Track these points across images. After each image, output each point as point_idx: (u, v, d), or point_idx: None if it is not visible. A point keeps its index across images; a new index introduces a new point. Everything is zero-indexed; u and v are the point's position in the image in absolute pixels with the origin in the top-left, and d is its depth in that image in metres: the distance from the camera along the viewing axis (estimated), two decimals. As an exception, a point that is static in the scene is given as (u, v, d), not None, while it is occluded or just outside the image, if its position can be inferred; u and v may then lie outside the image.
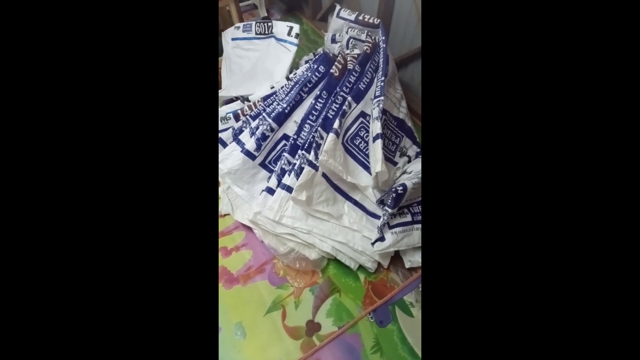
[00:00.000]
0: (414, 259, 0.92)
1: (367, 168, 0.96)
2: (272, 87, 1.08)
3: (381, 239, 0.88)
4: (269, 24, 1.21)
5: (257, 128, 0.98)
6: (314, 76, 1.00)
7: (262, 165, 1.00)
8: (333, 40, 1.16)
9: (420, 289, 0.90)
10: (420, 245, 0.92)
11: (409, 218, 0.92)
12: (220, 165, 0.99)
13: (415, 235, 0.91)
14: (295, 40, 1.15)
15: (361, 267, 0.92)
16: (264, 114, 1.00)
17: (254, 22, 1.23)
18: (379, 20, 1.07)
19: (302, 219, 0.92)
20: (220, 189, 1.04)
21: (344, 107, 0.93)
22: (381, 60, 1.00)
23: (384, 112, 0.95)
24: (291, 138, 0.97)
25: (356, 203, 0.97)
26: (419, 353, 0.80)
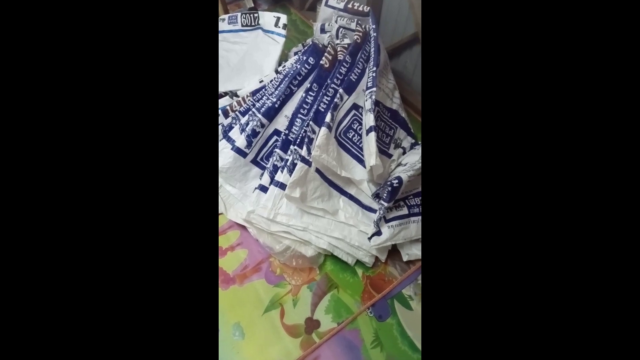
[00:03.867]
0: (412, 252, 0.91)
1: (361, 162, 0.94)
2: (261, 81, 1.05)
3: (378, 233, 0.87)
4: (256, 15, 1.17)
5: (247, 124, 0.95)
6: (303, 68, 0.97)
7: (254, 162, 0.97)
8: (322, 30, 1.12)
9: (419, 281, 0.89)
10: (417, 237, 0.91)
11: (405, 211, 0.91)
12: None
13: (412, 228, 0.90)
14: (283, 32, 1.12)
15: (359, 262, 0.91)
16: (253, 109, 0.97)
17: (239, 14, 1.19)
18: (368, 8, 1.04)
19: (297, 216, 0.90)
20: (212, 188, 1.02)
21: (335, 100, 0.91)
22: (372, 50, 0.97)
23: (376, 103, 0.92)
24: (282, 133, 0.94)
25: (351, 197, 0.95)
26: (419, 346, 0.80)
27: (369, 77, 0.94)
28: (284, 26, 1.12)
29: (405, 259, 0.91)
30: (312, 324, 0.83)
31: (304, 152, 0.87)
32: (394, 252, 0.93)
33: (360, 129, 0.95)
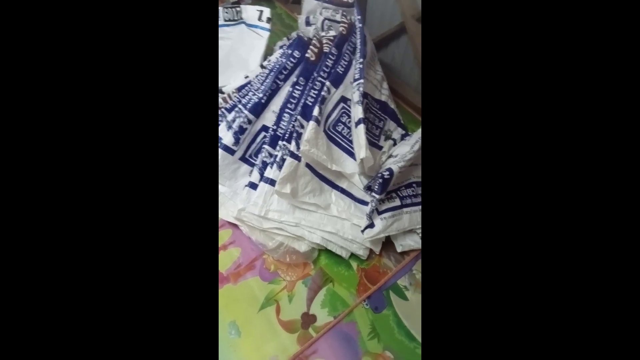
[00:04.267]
0: (406, 243, 0.92)
1: (352, 155, 0.94)
2: (247, 77, 1.03)
3: (371, 225, 0.87)
4: (238, 9, 1.14)
5: (234, 121, 0.94)
6: (289, 62, 0.96)
7: (243, 159, 0.96)
8: (307, 23, 1.10)
9: (414, 272, 0.90)
10: (410, 228, 0.91)
11: (397, 202, 0.91)
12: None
13: (405, 219, 0.90)
14: (267, 25, 1.10)
15: (353, 255, 0.91)
16: (240, 106, 0.95)
17: (221, 8, 1.16)
18: (353, -2, 1.03)
19: (289, 212, 0.89)
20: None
21: (322, 93, 0.89)
22: (358, 41, 0.96)
23: (365, 95, 0.92)
24: (270, 129, 0.93)
25: (343, 191, 0.95)
26: (416, 335, 0.80)
27: (356, 69, 0.93)
28: (268, 20, 1.10)
29: (399, 250, 0.91)
30: (308, 319, 0.83)
31: (292, 147, 0.86)
32: (387, 243, 0.93)
33: (350, 121, 0.94)
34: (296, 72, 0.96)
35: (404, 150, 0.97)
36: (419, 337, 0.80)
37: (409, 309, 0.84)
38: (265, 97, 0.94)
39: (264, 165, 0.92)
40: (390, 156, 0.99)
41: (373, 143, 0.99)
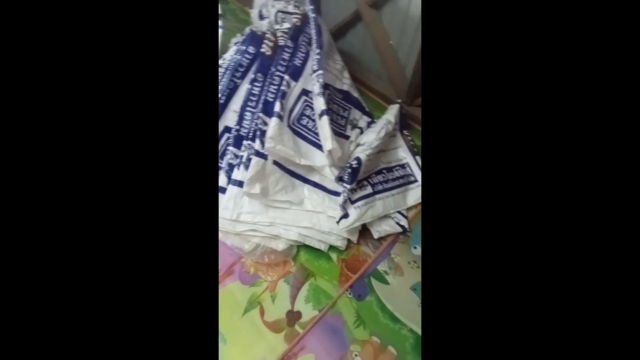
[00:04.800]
0: (382, 229, 0.93)
1: (320, 147, 0.93)
2: (203, 78, 0.99)
3: (345, 215, 0.87)
4: (186, 7, 1.09)
5: (194, 125, 0.90)
6: (244, 59, 0.93)
7: (208, 164, 0.93)
8: (260, 17, 1.07)
9: (392, 256, 0.91)
10: (385, 214, 0.92)
11: (369, 190, 0.91)
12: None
13: (378, 206, 0.91)
14: (219, 22, 1.05)
15: (332, 247, 0.91)
16: (198, 109, 0.91)
17: (168, 8, 1.10)
18: (303, -12, 1.01)
19: (262, 212, 0.87)
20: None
21: (282, 88, 0.88)
22: (313, 32, 0.95)
23: (326, 86, 0.91)
24: (233, 129, 0.90)
25: (316, 185, 0.94)
26: (399, 317, 0.82)
27: (313, 60, 0.92)
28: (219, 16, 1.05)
29: (376, 236, 0.92)
30: (293, 316, 0.83)
31: (257, 145, 0.84)
32: (364, 231, 0.94)
33: (314, 114, 0.93)
34: (253, 68, 0.93)
35: (371, 137, 0.97)
36: (402, 319, 0.82)
37: (391, 293, 0.86)
38: (224, 97, 0.91)
39: (231, 167, 0.89)
40: (358, 144, 1.00)
41: (340, 133, 0.98)
